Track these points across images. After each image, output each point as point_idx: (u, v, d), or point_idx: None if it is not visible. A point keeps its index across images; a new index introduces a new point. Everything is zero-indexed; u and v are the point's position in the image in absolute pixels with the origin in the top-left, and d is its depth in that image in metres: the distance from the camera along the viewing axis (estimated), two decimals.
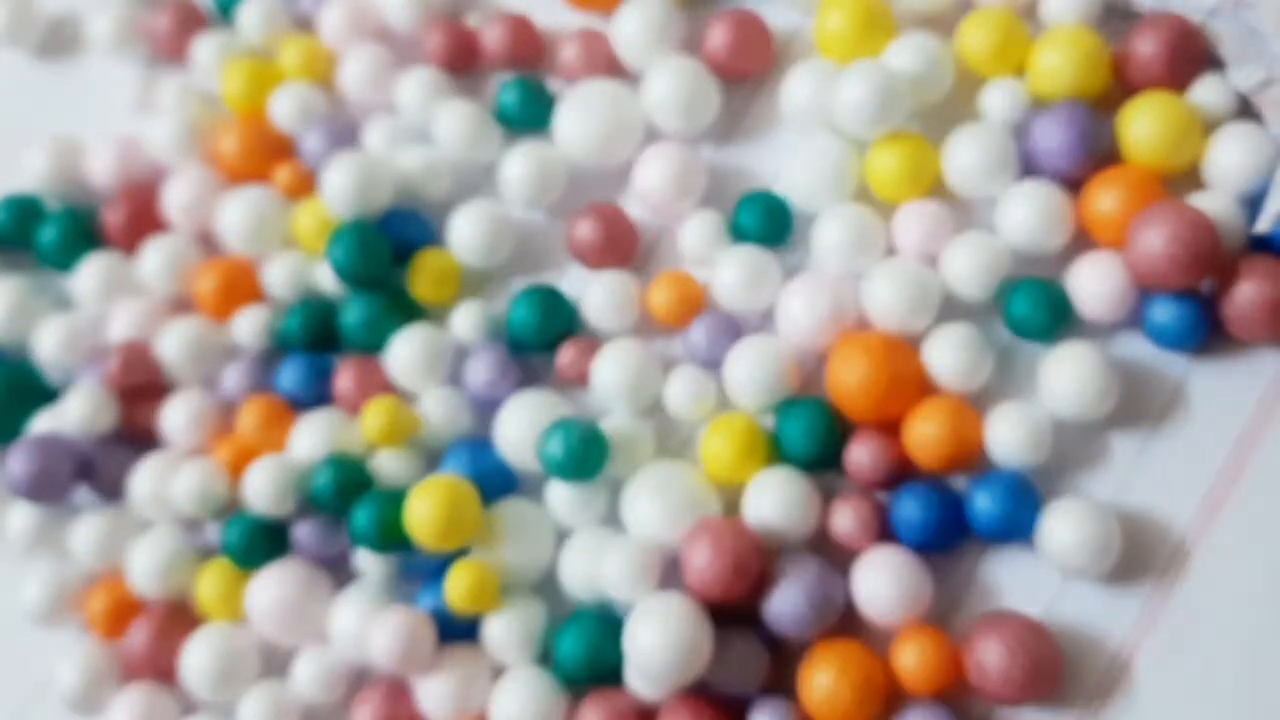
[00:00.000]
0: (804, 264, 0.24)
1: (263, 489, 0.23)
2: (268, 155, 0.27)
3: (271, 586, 0.23)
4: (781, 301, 0.23)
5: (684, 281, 0.23)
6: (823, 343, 0.23)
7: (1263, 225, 0.21)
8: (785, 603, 0.21)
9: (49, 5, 0.31)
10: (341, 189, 0.25)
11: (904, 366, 0.22)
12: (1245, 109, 0.22)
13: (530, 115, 0.26)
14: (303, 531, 0.23)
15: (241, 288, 0.26)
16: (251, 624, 0.23)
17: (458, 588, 0.22)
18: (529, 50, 0.26)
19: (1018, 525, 0.21)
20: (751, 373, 0.22)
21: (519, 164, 0.25)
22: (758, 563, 0.21)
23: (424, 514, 0.21)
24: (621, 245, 0.24)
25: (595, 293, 0.24)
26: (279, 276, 0.26)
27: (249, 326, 0.25)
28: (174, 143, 0.27)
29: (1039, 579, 0.21)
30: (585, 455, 0.22)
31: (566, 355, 0.24)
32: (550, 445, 0.22)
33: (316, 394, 0.24)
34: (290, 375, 0.24)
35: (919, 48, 0.23)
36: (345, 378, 0.24)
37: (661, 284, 0.23)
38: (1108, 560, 0.20)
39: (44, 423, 0.25)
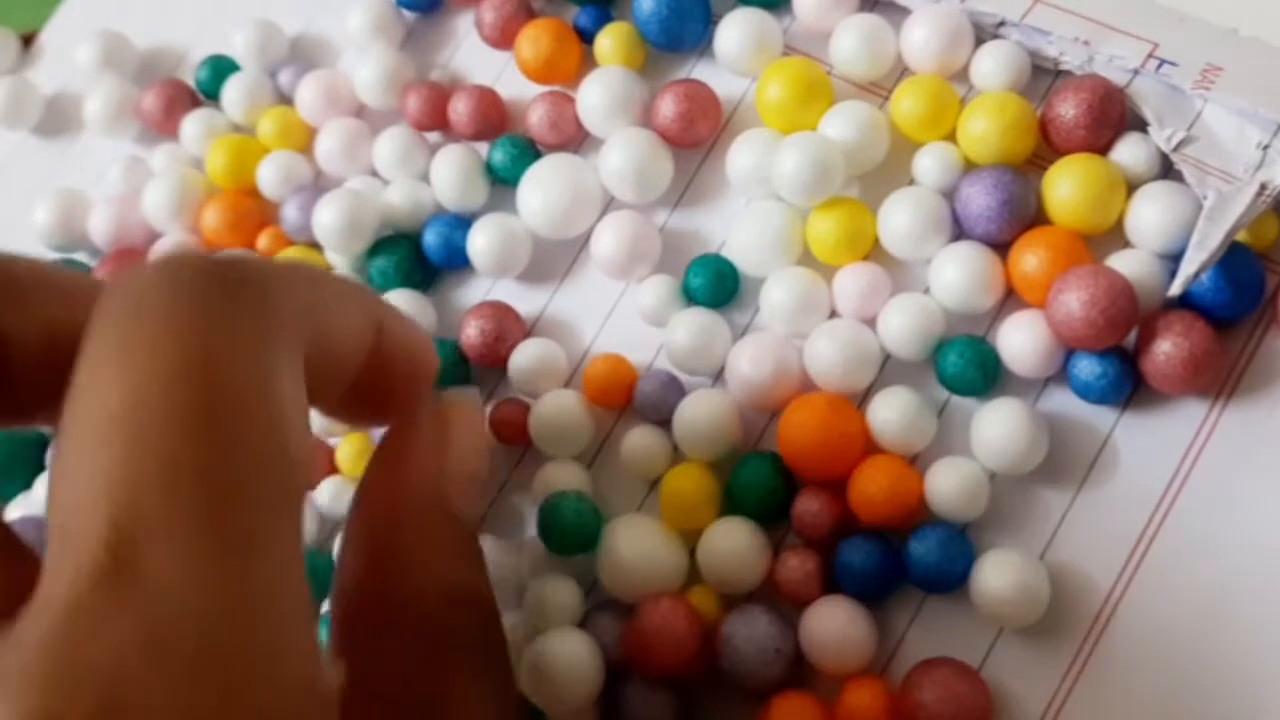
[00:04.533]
0: (754, 324, 0.25)
1: None
2: (250, 228, 0.28)
3: None
4: (729, 361, 0.24)
5: (616, 364, 0.25)
6: (768, 400, 0.24)
7: (1176, 289, 0.22)
8: (738, 656, 0.22)
9: (46, 86, 0.32)
10: (331, 228, 0.27)
11: (850, 428, 0.23)
12: (1168, 168, 0.23)
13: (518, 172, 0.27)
14: None
15: None
16: None
17: None
18: (494, 121, 0.28)
19: (950, 575, 0.22)
20: (698, 428, 0.24)
21: (484, 238, 0.26)
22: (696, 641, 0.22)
23: None
24: None
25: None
26: None
27: None
28: (162, 208, 0.29)
29: (976, 630, 0.22)
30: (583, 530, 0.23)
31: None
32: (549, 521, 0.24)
33: None
34: None
35: (854, 116, 0.24)
36: None
37: (596, 365, 0.25)
38: (1036, 610, 0.21)
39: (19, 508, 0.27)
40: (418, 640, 0.19)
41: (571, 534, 0.23)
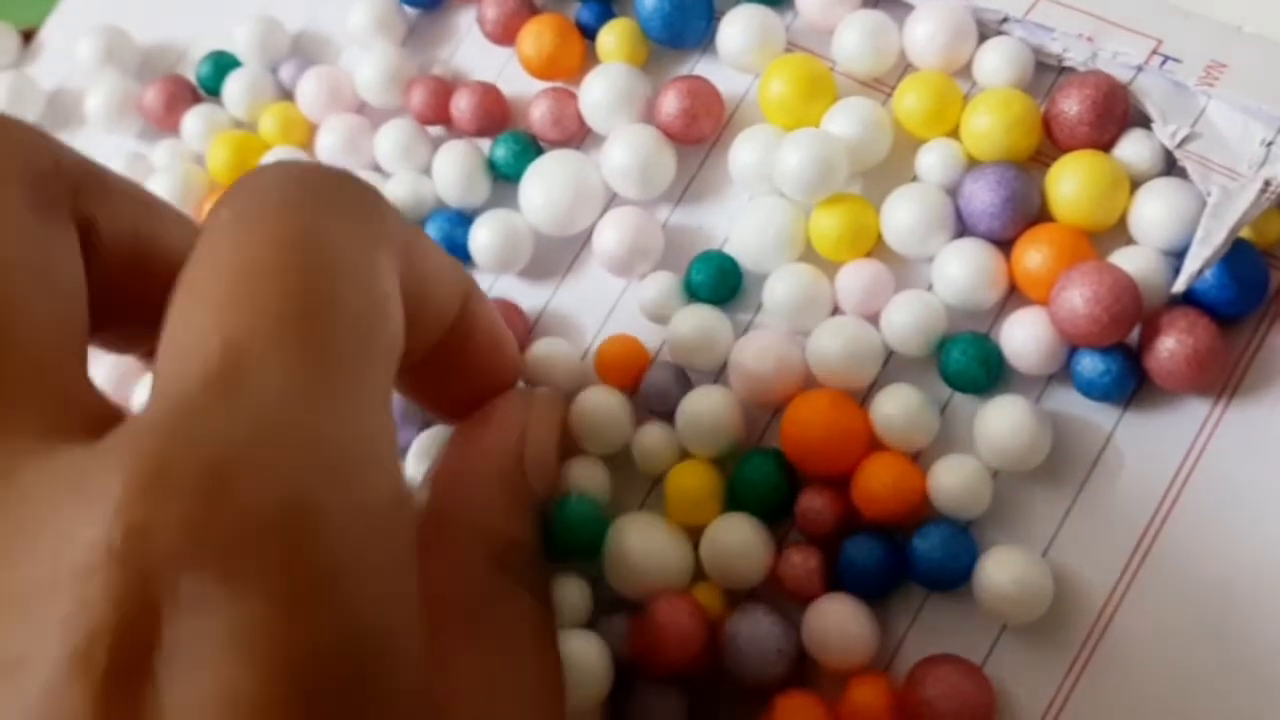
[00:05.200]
0: (757, 321, 0.25)
1: None
2: None
3: None
4: (732, 357, 0.24)
5: (629, 344, 0.25)
6: (771, 397, 0.24)
7: (1179, 286, 0.22)
8: (741, 657, 0.22)
9: (47, 82, 0.32)
10: None
11: (853, 425, 0.23)
12: (1171, 164, 0.23)
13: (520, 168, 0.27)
14: None
15: None
16: None
17: None
18: (496, 117, 0.28)
19: (953, 572, 0.22)
20: (701, 424, 0.24)
21: (487, 234, 0.26)
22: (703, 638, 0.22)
23: None
24: None
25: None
26: None
27: None
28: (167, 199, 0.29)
29: (979, 627, 0.22)
30: (592, 535, 0.23)
31: None
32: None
33: None
34: None
35: (857, 112, 0.24)
36: None
37: (609, 346, 0.25)
38: (1039, 607, 0.21)
39: None
40: (473, 561, 0.21)
41: (577, 538, 0.23)
